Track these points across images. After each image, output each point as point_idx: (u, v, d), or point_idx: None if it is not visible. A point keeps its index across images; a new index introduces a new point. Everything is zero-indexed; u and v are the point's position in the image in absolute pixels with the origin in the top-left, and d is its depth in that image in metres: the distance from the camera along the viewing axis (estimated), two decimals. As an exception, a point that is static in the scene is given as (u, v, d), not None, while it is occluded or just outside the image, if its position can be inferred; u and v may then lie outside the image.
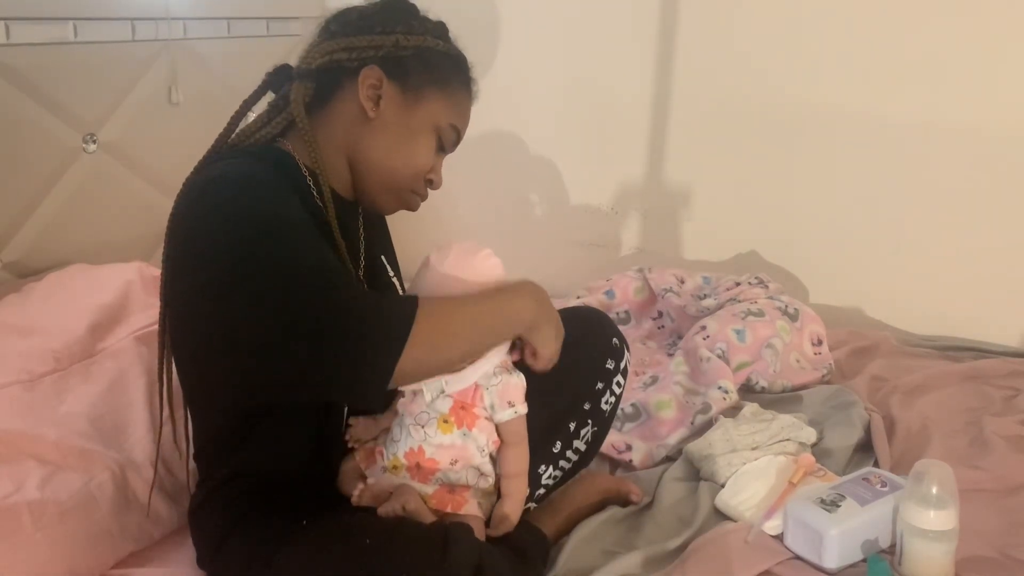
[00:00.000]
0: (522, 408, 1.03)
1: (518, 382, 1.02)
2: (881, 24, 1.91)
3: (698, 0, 2.06)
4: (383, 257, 1.16)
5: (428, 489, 1.01)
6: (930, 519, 1.07)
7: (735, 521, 1.25)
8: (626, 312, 2.05)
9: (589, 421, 1.15)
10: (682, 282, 2.00)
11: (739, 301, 1.84)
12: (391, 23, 1.02)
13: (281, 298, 0.84)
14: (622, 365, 1.19)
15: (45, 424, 1.14)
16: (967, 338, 1.91)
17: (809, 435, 1.42)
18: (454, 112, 1.05)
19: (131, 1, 1.69)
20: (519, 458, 1.04)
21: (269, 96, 1.10)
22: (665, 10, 2.08)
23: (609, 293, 2.04)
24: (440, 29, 1.07)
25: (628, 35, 2.12)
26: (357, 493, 1.01)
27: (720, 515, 1.28)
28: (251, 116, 1.09)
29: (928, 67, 1.89)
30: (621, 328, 2.00)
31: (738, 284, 1.93)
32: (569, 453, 1.14)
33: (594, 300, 2.03)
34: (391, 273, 1.16)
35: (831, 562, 1.14)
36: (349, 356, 0.83)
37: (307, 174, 1.01)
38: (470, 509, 1.02)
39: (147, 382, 1.30)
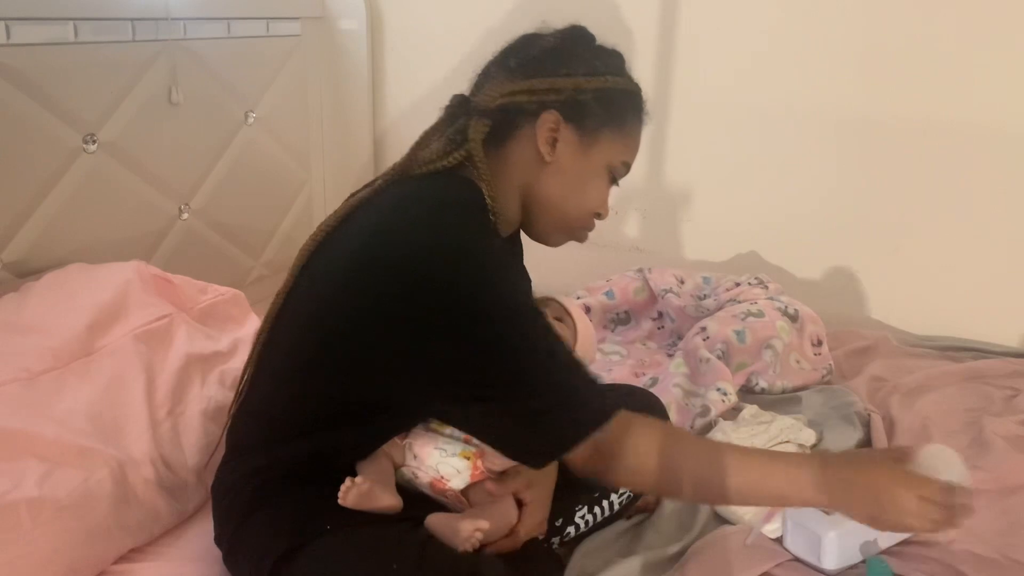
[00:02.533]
0: None
1: None
2: (880, 23, 1.91)
3: (698, 0, 2.06)
4: None
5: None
6: None
7: (735, 524, 1.25)
8: (626, 312, 2.05)
9: None
10: (682, 282, 2.00)
11: (739, 302, 1.84)
12: (573, 63, 1.01)
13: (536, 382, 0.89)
14: None
15: (44, 422, 1.14)
16: (967, 338, 1.91)
17: (809, 436, 1.42)
18: (627, 149, 1.05)
19: (131, 1, 1.69)
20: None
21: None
22: (665, 10, 2.08)
23: (609, 293, 2.03)
24: (618, 61, 1.07)
25: (628, 35, 2.12)
26: (344, 489, 0.95)
27: (720, 519, 1.28)
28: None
29: (928, 67, 1.89)
30: (621, 328, 2.02)
31: (738, 284, 1.93)
32: (605, 503, 1.21)
33: (594, 300, 2.03)
34: None
35: (830, 564, 1.14)
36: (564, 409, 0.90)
37: (492, 218, 1.00)
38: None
39: (146, 380, 1.30)
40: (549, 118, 0.99)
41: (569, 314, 1.19)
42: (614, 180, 1.06)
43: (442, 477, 1.01)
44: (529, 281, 1.21)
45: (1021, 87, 1.83)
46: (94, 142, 1.63)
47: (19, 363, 1.22)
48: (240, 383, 1.07)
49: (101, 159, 1.65)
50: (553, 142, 1.00)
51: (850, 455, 1.04)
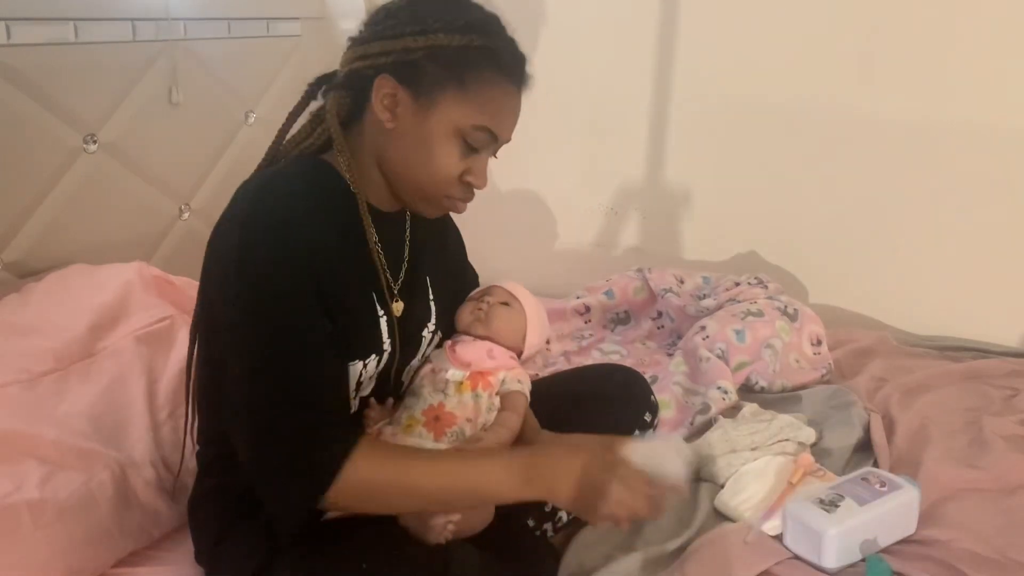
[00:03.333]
0: (528, 386, 1.13)
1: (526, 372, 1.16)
2: (881, 23, 1.91)
3: (698, 0, 2.06)
4: (428, 278, 1.13)
5: (442, 446, 1.06)
6: None
7: (734, 522, 1.25)
8: (626, 312, 2.05)
9: None
10: (682, 282, 2.00)
11: (739, 301, 1.84)
12: (404, 23, 0.95)
13: (254, 391, 0.89)
14: (656, 421, 1.28)
15: (44, 423, 1.14)
16: (967, 338, 1.91)
17: (808, 435, 1.42)
18: (477, 112, 0.95)
19: (131, 1, 1.68)
20: (513, 421, 1.11)
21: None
22: (665, 10, 2.08)
23: (609, 293, 2.04)
24: (467, 18, 0.96)
25: (628, 35, 2.12)
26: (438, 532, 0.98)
27: (720, 516, 1.28)
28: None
29: (928, 67, 1.89)
30: (621, 328, 2.03)
31: (738, 284, 1.93)
32: None
33: (594, 300, 2.03)
34: (431, 296, 1.14)
35: (830, 562, 1.14)
36: (275, 485, 0.90)
37: (354, 192, 0.99)
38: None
39: (147, 382, 1.30)
40: (384, 83, 0.95)
41: (515, 297, 1.18)
42: (472, 147, 0.97)
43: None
44: (441, 253, 1.18)
45: (1020, 87, 1.83)
46: (94, 142, 1.63)
47: (20, 364, 1.22)
48: (187, 401, 1.06)
49: (101, 159, 1.65)
50: (392, 108, 0.96)
51: (559, 443, 1.04)
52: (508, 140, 1.01)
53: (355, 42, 0.99)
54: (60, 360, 1.26)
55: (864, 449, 1.46)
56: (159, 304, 1.47)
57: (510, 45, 0.99)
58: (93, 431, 1.17)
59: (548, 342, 1.86)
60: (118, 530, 1.11)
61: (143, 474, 1.17)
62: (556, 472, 0.92)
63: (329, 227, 0.94)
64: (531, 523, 1.16)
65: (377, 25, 0.98)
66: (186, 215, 1.88)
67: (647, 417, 1.27)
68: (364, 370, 1.00)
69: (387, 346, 1.03)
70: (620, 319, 2.05)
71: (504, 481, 0.92)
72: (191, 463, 1.22)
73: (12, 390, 1.18)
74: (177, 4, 1.76)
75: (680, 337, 1.89)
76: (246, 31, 1.99)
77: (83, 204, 1.62)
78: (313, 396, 0.90)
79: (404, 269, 1.08)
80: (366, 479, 0.89)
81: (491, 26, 0.98)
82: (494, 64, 0.96)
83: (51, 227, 1.57)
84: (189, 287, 1.58)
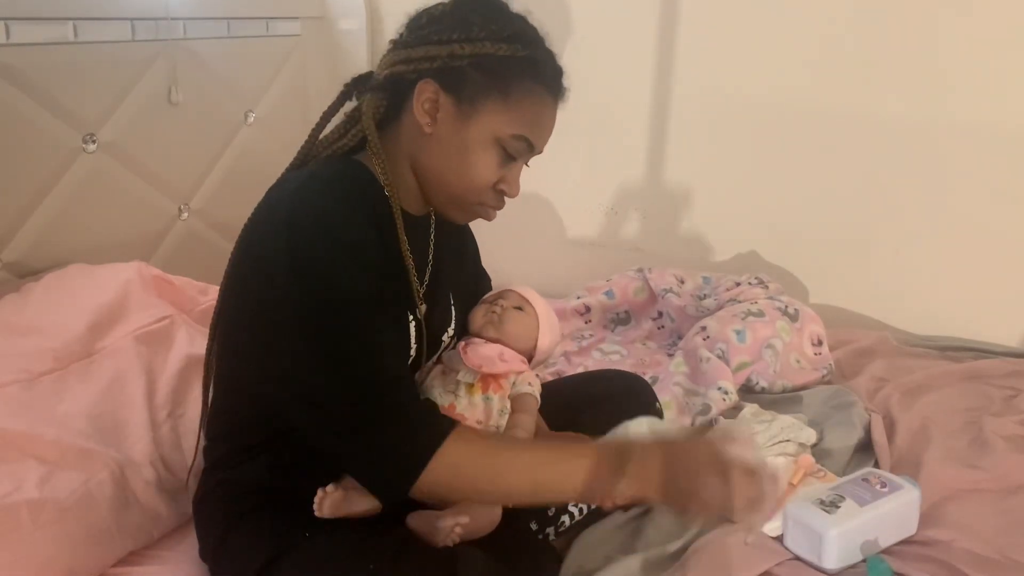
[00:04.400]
0: (538, 388, 1.14)
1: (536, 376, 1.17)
2: (881, 23, 1.91)
3: (698, 0, 2.06)
4: (449, 283, 1.13)
5: None
6: None
7: (735, 523, 1.25)
8: (626, 312, 2.05)
9: None
10: (682, 282, 2.00)
11: (739, 301, 1.84)
12: (450, 30, 0.95)
13: (335, 382, 0.88)
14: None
15: (44, 423, 1.14)
16: (967, 338, 1.91)
17: (809, 436, 1.42)
18: (518, 122, 0.97)
19: (131, 1, 1.68)
20: (527, 422, 1.11)
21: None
22: (665, 9, 2.08)
23: (609, 293, 2.04)
24: (508, 27, 0.97)
25: (628, 34, 2.12)
26: (318, 500, 0.96)
27: (720, 517, 1.28)
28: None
29: (928, 67, 1.89)
30: (621, 328, 2.03)
31: (738, 284, 1.93)
32: None
33: (594, 300, 2.03)
34: (452, 301, 1.14)
35: (830, 563, 1.14)
36: (373, 462, 0.88)
37: (388, 195, 0.99)
38: None
39: (146, 381, 1.30)
40: (426, 87, 0.95)
41: (528, 302, 1.19)
42: (510, 156, 0.98)
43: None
44: (461, 258, 1.18)
45: (1020, 87, 1.83)
46: (94, 142, 1.63)
47: (20, 364, 1.22)
48: (203, 396, 1.06)
49: (101, 159, 1.65)
50: (433, 113, 0.96)
51: (659, 443, 0.95)
52: (541, 151, 1.02)
53: (396, 45, 1.00)
54: (60, 360, 1.26)
55: (865, 449, 1.46)
56: (158, 304, 1.47)
57: (551, 57, 1.00)
58: (92, 431, 1.17)
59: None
60: (118, 530, 1.10)
61: (142, 474, 1.17)
62: (650, 463, 0.88)
63: (366, 228, 0.94)
64: (534, 526, 1.16)
65: (421, 30, 0.98)
66: (185, 215, 1.88)
67: None
68: None
69: (413, 351, 1.03)
70: (620, 319, 2.05)
71: (592, 475, 0.88)
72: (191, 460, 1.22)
73: (12, 390, 1.18)
74: (176, 4, 1.76)
75: (680, 337, 1.89)
76: (246, 31, 2.00)
77: (82, 204, 1.62)
78: (394, 383, 0.90)
79: (428, 273, 1.08)
80: (456, 465, 0.88)
81: (534, 37, 1.00)
82: (536, 75, 0.97)
83: (50, 227, 1.57)
84: (188, 287, 1.58)
